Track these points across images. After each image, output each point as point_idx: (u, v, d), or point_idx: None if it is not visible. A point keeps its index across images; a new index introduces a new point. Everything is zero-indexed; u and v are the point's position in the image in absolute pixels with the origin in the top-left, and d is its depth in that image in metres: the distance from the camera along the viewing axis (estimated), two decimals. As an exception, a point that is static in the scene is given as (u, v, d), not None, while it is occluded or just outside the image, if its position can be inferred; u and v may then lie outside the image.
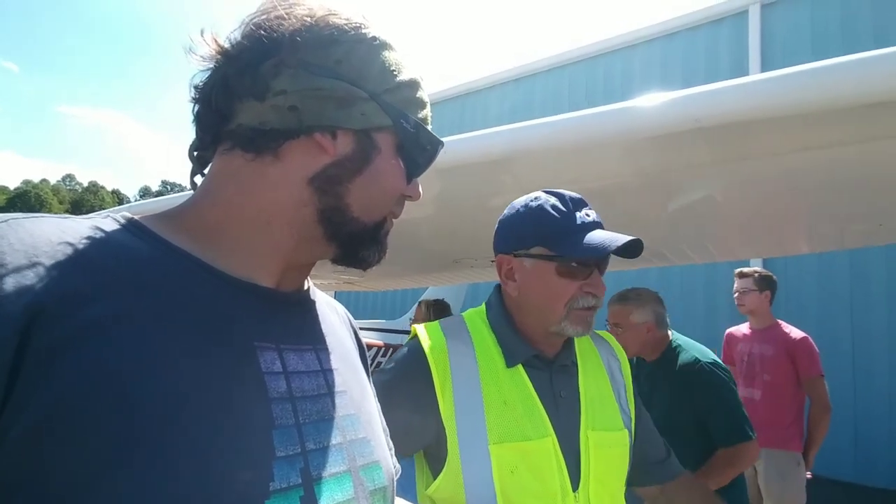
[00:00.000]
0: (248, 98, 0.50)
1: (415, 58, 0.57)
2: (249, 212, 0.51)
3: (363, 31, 0.52)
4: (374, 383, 0.68)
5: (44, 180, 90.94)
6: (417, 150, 0.57)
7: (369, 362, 0.70)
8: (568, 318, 0.94)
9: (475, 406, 0.91)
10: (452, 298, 5.79)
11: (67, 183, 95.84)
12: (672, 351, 2.03)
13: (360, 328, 0.72)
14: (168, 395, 0.40)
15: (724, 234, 2.36)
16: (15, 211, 0.50)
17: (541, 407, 0.94)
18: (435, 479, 0.91)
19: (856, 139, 1.16)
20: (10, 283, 0.37)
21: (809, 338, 2.81)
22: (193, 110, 0.53)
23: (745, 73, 5.38)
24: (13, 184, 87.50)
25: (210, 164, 0.54)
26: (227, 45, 0.50)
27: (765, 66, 5.96)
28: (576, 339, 1.05)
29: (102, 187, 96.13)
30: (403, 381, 0.93)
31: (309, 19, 0.50)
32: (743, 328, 3.08)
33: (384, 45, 0.54)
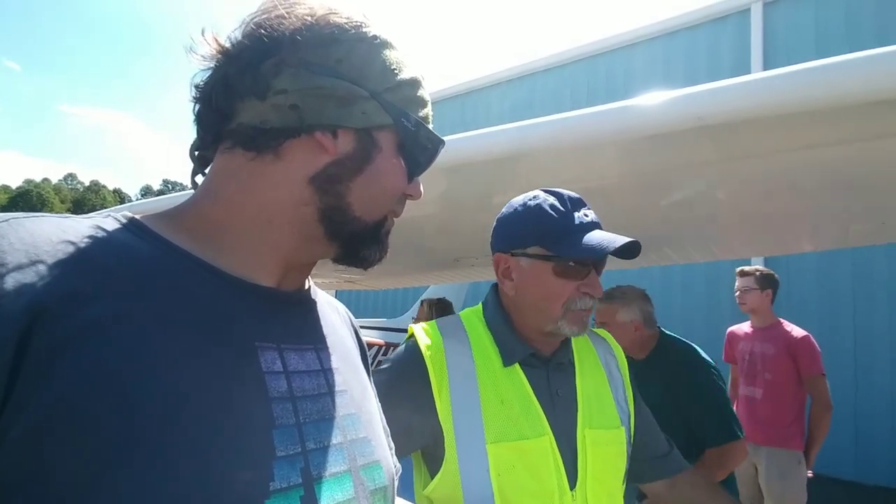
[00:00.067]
0: (248, 97, 0.49)
1: (416, 57, 0.57)
2: (250, 211, 0.51)
3: (364, 29, 0.52)
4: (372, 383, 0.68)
5: (45, 179, 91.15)
6: (418, 148, 0.57)
7: (370, 361, 0.70)
8: (565, 319, 0.94)
9: (472, 405, 0.91)
10: (453, 297, 5.78)
11: (69, 182, 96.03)
12: (661, 349, 2.00)
13: (361, 327, 0.72)
14: (168, 394, 0.40)
15: (727, 233, 2.35)
16: (17, 210, 0.50)
17: (538, 406, 0.94)
18: (432, 478, 0.91)
19: (859, 137, 1.16)
20: (11, 282, 0.37)
21: (811, 336, 2.81)
22: (194, 110, 0.53)
23: (748, 72, 5.38)
24: (15, 183, 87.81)
25: (211, 164, 0.54)
26: (227, 45, 0.50)
27: (767, 65, 5.94)
28: (573, 338, 1.05)
29: (104, 186, 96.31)
30: (400, 381, 0.93)
31: (309, 18, 0.50)
32: (744, 326, 3.08)
33: (385, 44, 0.54)
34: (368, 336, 5.49)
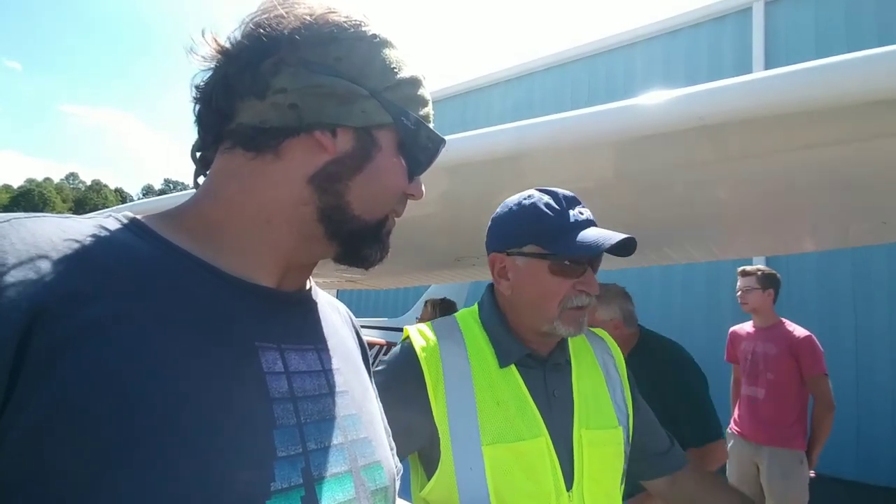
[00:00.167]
0: (248, 97, 0.49)
1: (416, 56, 0.57)
2: (250, 210, 0.51)
3: (363, 28, 0.52)
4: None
5: (47, 179, 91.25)
6: (419, 147, 0.56)
7: (371, 361, 0.70)
8: (560, 318, 0.93)
9: (468, 407, 0.91)
10: (454, 297, 5.77)
11: (71, 181, 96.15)
12: (644, 348, 1.99)
13: (363, 326, 0.72)
14: (168, 395, 0.40)
15: (728, 233, 2.35)
16: (19, 209, 0.50)
17: (534, 407, 0.93)
18: (429, 480, 0.91)
19: (860, 137, 1.15)
20: (12, 282, 0.37)
21: (813, 336, 2.81)
22: (195, 110, 0.53)
23: (749, 71, 5.36)
24: (16, 182, 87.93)
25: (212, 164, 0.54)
26: (227, 45, 0.50)
27: (768, 64, 5.93)
28: (569, 338, 1.05)
29: (105, 186, 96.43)
30: (395, 383, 0.92)
31: (308, 17, 0.50)
32: (746, 326, 3.07)
33: (385, 43, 0.53)
34: (369, 336, 5.49)
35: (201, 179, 0.55)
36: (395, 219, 0.59)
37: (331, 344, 0.58)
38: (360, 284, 5.01)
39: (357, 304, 9.89)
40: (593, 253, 0.90)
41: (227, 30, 0.51)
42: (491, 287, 1.05)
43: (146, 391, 0.39)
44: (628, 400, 1.10)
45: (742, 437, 2.96)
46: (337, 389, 0.55)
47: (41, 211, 0.44)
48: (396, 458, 0.64)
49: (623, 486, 1.03)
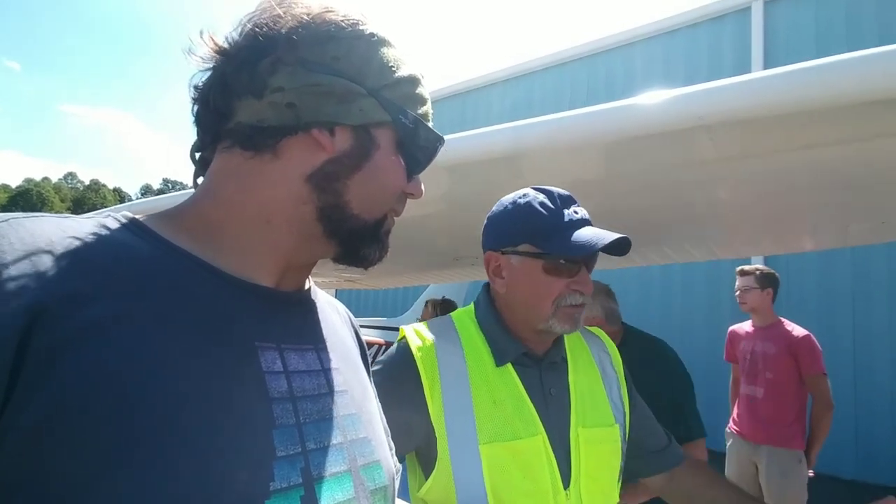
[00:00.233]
0: (246, 96, 0.49)
1: (415, 55, 0.57)
2: (250, 210, 0.51)
3: (361, 27, 0.52)
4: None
5: (45, 178, 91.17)
6: (417, 146, 0.56)
7: (370, 360, 0.70)
8: (555, 316, 0.94)
9: (465, 406, 0.91)
10: (453, 296, 5.78)
11: (69, 181, 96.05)
12: (629, 345, 1.98)
13: (362, 325, 0.72)
14: (168, 395, 0.39)
15: (727, 232, 2.35)
16: (17, 209, 0.50)
17: (531, 405, 0.93)
18: (426, 480, 0.91)
19: (859, 137, 1.15)
20: (11, 283, 0.37)
21: (812, 336, 2.81)
22: (193, 110, 0.53)
23: (748, 71, 5.36)
24: (15, 182, 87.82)
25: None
26: (225, 45, 0.50)
27: (768, 64, 5.94)
28: (565, 336, 1.05)
29: (104, 185, 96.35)
30: (391, 383, 0.92)
31: (306, 17, 0.50)
32: (746, 325, 3.08)
33: (383, 42, 0.53)
34: (368, 335, 5.49)
35: (201, 179, 0.55)
36: (395, 218, 0.59)
37: (330, 343, 0.58)
38: (359, 284, 5.01)
39: (356, 303, 9.89)
40: (587, 252, 0.90)
41: (227, 30, 0.51)
42: (487, 286, 1.05)
43: (146, 391, 0.39)
44: (625, 397, 1.10)
45: (741, 437, 2.96)
46: (336, 389, 0.55)
47: (39, 211, 0.44)
48: (395, 458, 0.64)
49: (620, 483, 1.03)
